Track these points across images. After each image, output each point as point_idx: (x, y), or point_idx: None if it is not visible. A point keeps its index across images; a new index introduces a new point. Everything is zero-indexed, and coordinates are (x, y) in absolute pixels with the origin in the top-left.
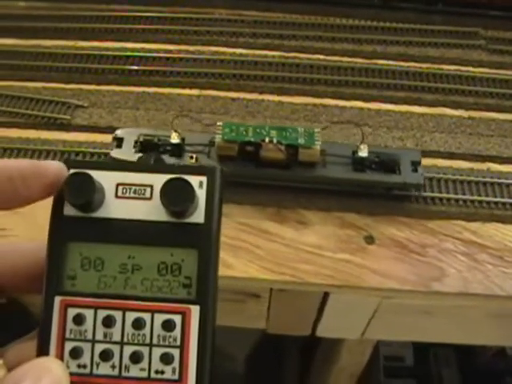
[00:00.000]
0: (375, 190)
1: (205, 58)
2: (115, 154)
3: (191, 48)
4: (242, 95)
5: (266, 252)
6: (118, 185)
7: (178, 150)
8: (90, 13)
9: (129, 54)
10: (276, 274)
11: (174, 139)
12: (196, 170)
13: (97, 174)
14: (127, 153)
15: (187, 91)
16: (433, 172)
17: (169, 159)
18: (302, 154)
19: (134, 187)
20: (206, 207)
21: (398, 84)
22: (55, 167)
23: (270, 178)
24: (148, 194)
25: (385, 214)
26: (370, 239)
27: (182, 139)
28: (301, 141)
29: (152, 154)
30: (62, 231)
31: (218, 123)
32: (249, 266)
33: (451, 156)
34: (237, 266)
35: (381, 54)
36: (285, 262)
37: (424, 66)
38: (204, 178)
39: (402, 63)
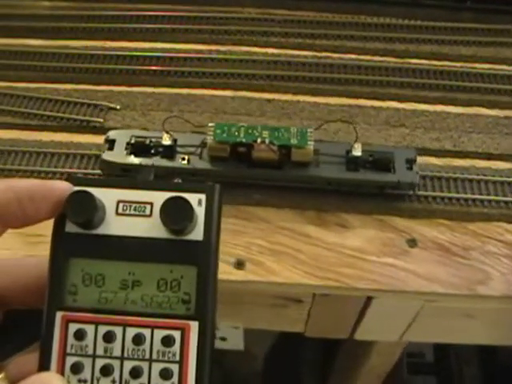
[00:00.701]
0: (370, 190)
1: (237, 59)
2: (107, 156)
3: (222, 48)
4: (276, 96)
5: (308, 256)
6: (118, 202)
7: (169, 152)
8: (116, 12)
9: (159, 54)
10: (320, 279)
11: (166, 141)
12: (195, 188)
13: (98, 192)
14: (119, 155)
15: (220, 92)
16: (472, 173)
17: (160, 161)
18: (294, 154)
19: (134, 204)
20: (204, 224)
21: (432, 84)
22: (62, 187)
23: (262, 178)
24: (148, 212)
25: (425, 216)
26: (412, 242)
27: (174, 140)
28: (293, 141)
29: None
30: (63, 247)
31: (210, 124)
32: (292, 271)
33: (489, 157)
34: (280, 271)
35: (413, 53)
36: (328, 267)
37: (457, 64)
38: (203, 196)
39: (435, 62)
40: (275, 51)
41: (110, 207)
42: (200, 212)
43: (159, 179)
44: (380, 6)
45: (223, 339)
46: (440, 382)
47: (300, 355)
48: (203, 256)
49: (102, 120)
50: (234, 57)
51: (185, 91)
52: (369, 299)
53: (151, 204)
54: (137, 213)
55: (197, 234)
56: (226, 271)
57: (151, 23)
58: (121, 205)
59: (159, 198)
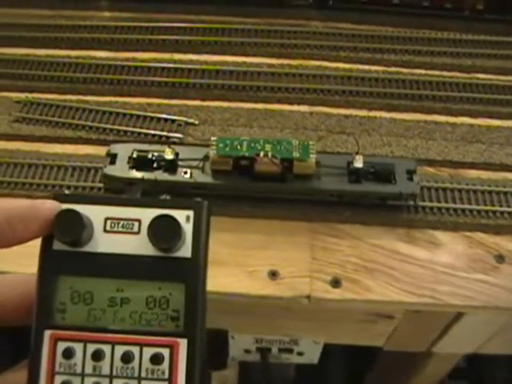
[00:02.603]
0: (372, 201)
1: (311, 74)
2: (109, 171)
3: (293, 62)
4: (353, 112)
5: (402, 273)
6: (106, 219)
7: (171, 166)
8: (183, 24)
9: (231, 68)
10: (416, 296)
11: (168, 155)
12: (183, 204)
13: (86, 209)
14: (121, 169)
15: (296, 107)
16: None
17: (162, 175)
18: (296, 167)
19: (122, 221)
20: (192, 242)
21: (503, 99)
22: (49, 206)
23: (264, 191)
24: (136, 229)
25: (509, 232)
26: (500, 258)
27: (176, 154)
28: (295, 154)
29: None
30: (51, 265)
31: (213, 138)
32: (388, 288)
33: None
34: (375, 288)
35: (480, 68)
36: (422, 284)
37: None
38: (191, 213)
39: (502, 77)
40: (346, 66)
41: (98, 224)
42: (188, 229)
43: (147, 196)
44: (441, 21)
45: (300, 354)
46: None
47: (329, 365)
48: (191, 273)
49: (181, 135)
50: (306, 72)
51: (261, 106)
52: (459, 314)
53: (139, 221)
54: (125, 230)
55: (185, 251)
56: (323, 290)
57: (218, 36)
58: (109, 222)
59: (147, 215)
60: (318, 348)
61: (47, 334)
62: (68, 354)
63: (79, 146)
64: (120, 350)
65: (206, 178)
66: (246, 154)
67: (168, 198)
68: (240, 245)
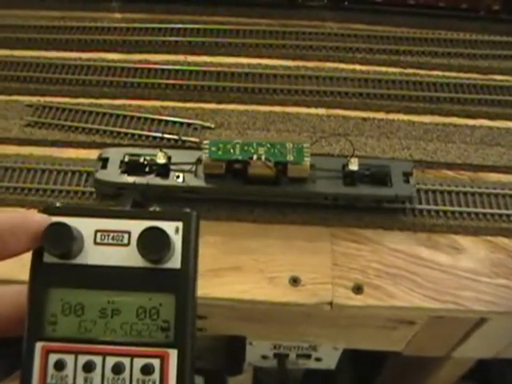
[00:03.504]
0: (367, 204)
1: (327, 76)
2: (100, 175)
3: (309, 64)
4: (370, 115)
5: (424, 279)
6: (96, 231)
7: (164, 170)
8: (196, 25)
9: (247, 70)
10: (439, 303)
11: (160, 159)
12: (172, 216)
13: (76, 222)
14: (113, 174)
15: (313, 110)
16: None
17: (154, 179)
18: (291, 170)
19: (112, 234)
20: (182, 253)
21: None
22: (38, 219)
23: (258, 194)
24: (126, 241)
25: None
26: None
27: (169, 158)
28: (289, 157)
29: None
30: (42, 277)
31: (205, 141)
32: (411, 294)
33: None
34: (398, 294)
35: (496, 70)
36: (446, 289)
37: None
38: (180, 224)
39: None
40: (362, 68)
41: (88, 237)
42: (177, 240)
43: (136, 207)
44: (457, 21)
45: (318, 360)
46: None
47: (337, 366)
48: (181, 284)
49: (197, 140)
50: (323, 74)
51: (278, 109)
52: (481, 320)
53: (129, 233)
54: (115, 242)
55: (174, 262)
56: (345, 296)
57: (232, 37)
58: (99, 234)
59: (136, 226)
60: (336, 354)
61: (38, 345)
62: (59, 365)
63: (93, 150)
64: (111, 361)
65: (198, 182)
66: (239, 158)
67: (157, 209)
68: (259, 250)
